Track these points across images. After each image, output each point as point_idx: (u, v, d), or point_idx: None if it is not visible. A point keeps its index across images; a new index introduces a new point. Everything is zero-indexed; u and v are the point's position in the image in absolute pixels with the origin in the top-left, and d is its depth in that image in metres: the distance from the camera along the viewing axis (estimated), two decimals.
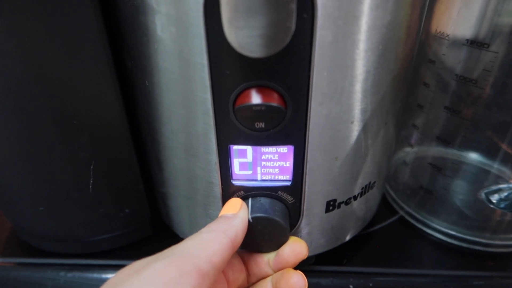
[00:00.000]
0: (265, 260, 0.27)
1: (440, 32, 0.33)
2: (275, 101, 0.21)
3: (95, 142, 0.28)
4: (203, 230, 0.22)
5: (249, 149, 0.25)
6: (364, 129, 0.26)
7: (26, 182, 0.30)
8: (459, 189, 0.37)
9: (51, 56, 0.24)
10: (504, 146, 0.33)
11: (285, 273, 0.25)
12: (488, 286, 0.34)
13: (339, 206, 0.29)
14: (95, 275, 0.34)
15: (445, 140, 0.35)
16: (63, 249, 0.35)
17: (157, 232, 0.37)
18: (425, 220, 0.39)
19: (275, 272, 0.26)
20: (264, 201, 0.26)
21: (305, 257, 0.26)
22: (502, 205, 0.34)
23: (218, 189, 0.27)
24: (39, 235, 0.35)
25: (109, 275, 0.34)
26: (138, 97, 0.28)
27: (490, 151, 0.35)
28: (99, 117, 0.28)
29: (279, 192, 0.26)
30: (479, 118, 0.33)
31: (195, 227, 0.31)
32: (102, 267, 0.35)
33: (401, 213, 0.41)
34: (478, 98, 0.32)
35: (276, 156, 0.25)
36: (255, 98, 0.21)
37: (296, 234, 0.29)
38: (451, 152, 0.36)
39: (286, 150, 0.25)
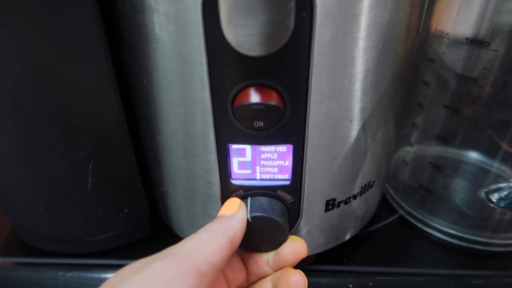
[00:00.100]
0: (265, 260, 0.26)
1: (440, 30, 0.33)
2: (274, 100, 0.21)
3: (94, 141, 0.28)
4: (202, 230, 0.22)
5: (248, 148, 0.25)
6: (364, 128, 0.26)
7: (25, 182, 0.30)
8: (459, 188, 0.37)
9: (50, 56, 0.24)
10: (504, 145, 0.33)
11: (285, 272, 0.25)
12: (488, 285, 0.34)
13: (338, 206, 0.29)
14: (94, 275, 0.34)
15: (445, 139, 0.35)
16: (62, 249, 0.35)
17: (156, 231, 0.37)
18: (425, 219, 0.39)
19: (274, 271, 0.26)
20: (263, 200, 0.26)
21: (305, 256, 0.26)
22: (502, 204, 0.34)
23: (217, 189, 0.27)
24: (38, 235, 0.35)
25: (108, 275, 0.34)
26: (137, 96, 0.28)
27: (490, 150, 0.35)
28: (98, 117, 0.28)
29: (278, 192, 0.26)
30: (479, 117, 0.33)
31: (195, 227, 0.31)
32: (101, 267, 0.35)
33: (401, 212, 0.41)
34: (478, 97, 0.32)
35: (275, 155, 0.25)
36: (254, 97, 0.21)
37: (295, 233, 0.29)
38: (451, 151, 0.36)
39: (285, 149, 0.25)
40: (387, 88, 0.26)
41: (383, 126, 0.28)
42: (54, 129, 0.27)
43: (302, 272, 0.25)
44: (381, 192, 0.39)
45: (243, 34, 0.17)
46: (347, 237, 0.34)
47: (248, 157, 0.25)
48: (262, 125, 0.22)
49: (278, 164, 0.25)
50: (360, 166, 0.28)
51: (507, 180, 0.35)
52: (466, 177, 0.36)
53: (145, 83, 0.25)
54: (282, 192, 0.26)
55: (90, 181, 0.30)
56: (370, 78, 0.24)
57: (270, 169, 0.26)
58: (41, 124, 0.27)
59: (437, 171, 0.37)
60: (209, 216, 0.29)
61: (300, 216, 0.28)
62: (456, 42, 0.32)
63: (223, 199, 0.27)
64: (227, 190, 0.26)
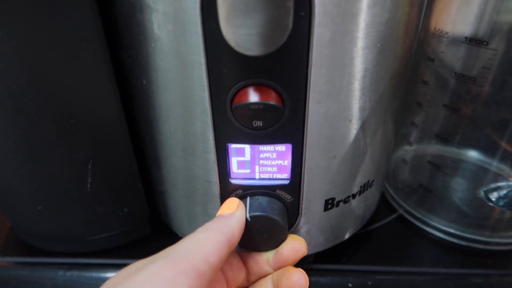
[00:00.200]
0: (265, 259, 0.27)
1: (439, 29, 0.33)
2: (272, 100, 0.21)
3: (94, 141, 0.28)
4: (200, 229, 0.22)
5: (247, 147, 0.25)
6: (363, 127, 0.26)
7: (24, 182, 0.30)
8: (458, 187, 0.37)
9: (49, 56, 0.24)
10: (503, 144, 0.33)
11: (286, 271, 0.25)
12: (487, 284, 0.34)
13: (337, 205, 0.29)
14: (94, 274, 0.34)
15: (444, 138, 0.35)
16: (62, 249, 0.35)
17: (156, 231, 0.37)
18: (425, 218, 0.39)
19: (274, 270, 0.26)
20: (262, 199, 0.26)
21: (305, 254, 0.26)
22: (501, 203, 0.34)
23: (216, 188, 0.27)
24: (38, 235, 0.35)
25: (108, 274, 0.34)
26: (136, 96, 0.28)
27: (489, 149, 0.35)
28: (97, 116, 0.28)
29: (277, 191, 0.26)
30: (478, 116, 0.33)
31: (194, 226, 0.31)
32: (101, 266, 0.35)
33: (400, 211, 0.41)
34: (477, 96, 0.32)
35: (274, 155, 0.25)
36: (253, 97, 0.21)
37: (294, 232, 0.29)
38: (450, 150, 0.36)
39: (284, 149, 0.25)
40: (386, 88, 0.26)
41: (382, 125, 0.28)
42: (53, 128, 0.27)
43: (303, 271, 0.25)
44: (381, 191, 0.39)
45: (242, 33, 0.17)
46: (347, 236, 0.34)
47: (247, 156, 0.25)
48: (261, 124, 0.23)
49: (277, 164, 0.25)
50: (359, 166, 0.28)
51: (506, 179, 0.35)
52: (466, 176, 0.36)
53: (144, 82, 0.25)
54: (281, 191, 0.26)
55: (89, 180, 0.30)
56: (369, 78, 0.24)
57: (269, 169, 0.26)
58: (40, 123, 0.27)
59: (437, 170, 0.37)
60: (208, 215, 0.29)
61: (299, 216, 0.28)
62: (455, 41, 0.32)
63: (223, 199, 0.27)
64: (227, 190, 0.26)
